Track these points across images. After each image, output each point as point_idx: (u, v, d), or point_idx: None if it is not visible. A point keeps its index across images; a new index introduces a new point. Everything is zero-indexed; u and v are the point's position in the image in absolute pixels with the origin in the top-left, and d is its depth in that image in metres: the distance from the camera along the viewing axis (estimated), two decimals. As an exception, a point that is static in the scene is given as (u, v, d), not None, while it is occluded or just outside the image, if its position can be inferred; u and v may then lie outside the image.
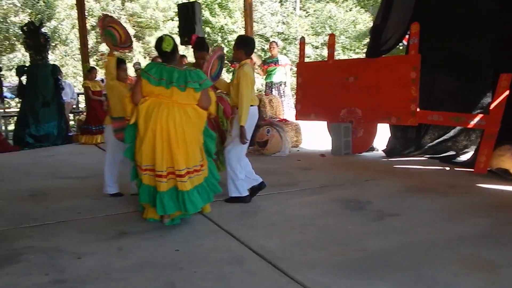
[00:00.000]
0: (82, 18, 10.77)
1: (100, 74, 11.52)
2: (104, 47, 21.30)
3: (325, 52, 24.25)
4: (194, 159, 4.23)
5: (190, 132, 4.21)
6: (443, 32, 7.26)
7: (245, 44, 5.07)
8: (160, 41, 4.31)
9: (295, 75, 15.35)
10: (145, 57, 22.60)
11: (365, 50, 25.04)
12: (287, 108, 10.41)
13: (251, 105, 4.97)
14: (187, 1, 9.66)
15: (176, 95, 4.20)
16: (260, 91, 11.65)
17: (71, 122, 12.15)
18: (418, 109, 7.09)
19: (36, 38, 9.48)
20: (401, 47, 9.98)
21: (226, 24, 24.08)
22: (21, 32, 10.29)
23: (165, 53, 4.32)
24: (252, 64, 9.85)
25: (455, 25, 7.19)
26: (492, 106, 6.41)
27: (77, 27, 19.78)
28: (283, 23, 25.40)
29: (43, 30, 9.95)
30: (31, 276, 3.36)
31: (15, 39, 20.12)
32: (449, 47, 7.22)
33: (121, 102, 4.86)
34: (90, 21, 20.48)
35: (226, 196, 5.11)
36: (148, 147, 4.13)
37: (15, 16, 19.62)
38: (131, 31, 22.30)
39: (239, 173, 5.03)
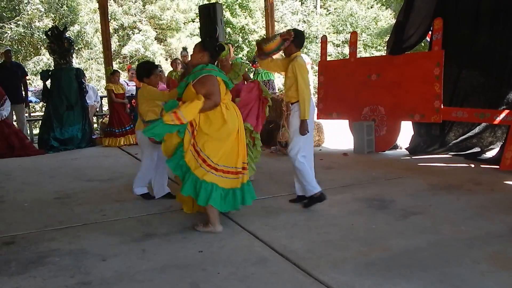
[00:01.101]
0: (105, 22, 10.88)
1: (123, 77, 11.61)
2: (126, 50, 21.54)
3: (346, 50, 24.19)
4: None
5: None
6: (466, 27, 7.16)
7: (296, 37, 4.77)
8: (221, 48, 4.59)
9: (316, 74, 15.35)
10: (166, 59, 22.74)
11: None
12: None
13: None
14: (208, 2, 9.71)
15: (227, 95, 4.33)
16: (281, 91, 11.60)
17: (95, 125, 12.28)
18: (442, 106, 6.99)
19: (60, 43, 9.59)
20: (423, 44, 9.88)
21: (247, 24, 24.12)
22: (45, 37, 10.41)
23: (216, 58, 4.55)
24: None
25: (479, 20, 7.08)
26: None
27: (100, 31, 20.17)
28: (304, 21, 25.34)
29: (67, 34, 10.06)
30: (57, 279, 3.40)
31: (40, 43, 20.43)
32: (473, 42, 7.12)
33: (154, 106, 5.03)
34: (113, 25, 20.69)
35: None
36: (230, 148, 4.19)
37: (39, 21, 19.91)
38: (152, 33, 22.51)
39: (309, 170, 4.86)
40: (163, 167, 5.32)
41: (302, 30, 5.31)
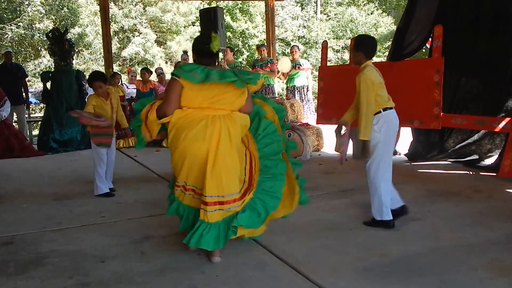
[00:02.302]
0: (106, 24, 10.92)
1: (124, 80, 11.64)
2: (126, 53, 21.58)
3: (346, 56, 24.27)
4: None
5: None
6: (467, 34, 7.18)
7: (364, 45, 4.44)
8: (207, 39, 3.65)
9: (316, 79, 15.38)
10: (166, 62, 22.79)
11: (386, 53, 25.00)
12: (308, 112, 10.39)
13: (387, 108, 4.41)
14: (209, 6, 9.75)
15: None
16: (281, 95, 11.65)
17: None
18: (441, 113, 7.00)
19: (60, 45, 9.60)
20: (423, 50, 9.89)
21: (247, 29, 24.18)
22: (46, 39, 10.43)
23: (211, 53, 3.71)
24: (275, 67, 9.91)
25: (479, 27, 7.11)
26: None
27: (100, 33, 20.20)
28: (304, 27, 25.41)
29: (67, 36, 10.07)
30: (56, 280, 3.41)
31: (40, 45, 20.47)
32: (473, 50, 7.13)
33: None
34: (113, 27, 20.72)
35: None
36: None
37: (40, 23, 19.96)
38: (153, 36, 22.55)
39: (384, 193, 4.38)
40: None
41: (371, 36, 4.91)
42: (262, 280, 3.30)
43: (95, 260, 3.75)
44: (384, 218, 4.35)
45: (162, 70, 11.61)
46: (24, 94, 10.49)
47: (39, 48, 20.76)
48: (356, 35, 4.59)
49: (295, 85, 10.50)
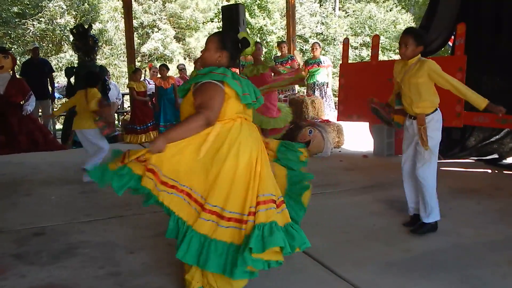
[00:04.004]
0: (128, 20, 11.03)
1: (146, 76, 11.77)
2: (145, 49, 21.75)
3: (364, 53, 24.16)
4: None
5: None
6: (489, 32, 7.17)
7: (423, 38, 4.22)
8: (246, 42, 3.18)
9: (335, 76, 15.38)
10: (184, 58, 22.92)
11: (406, 50, 24.83)
12: (328, 109, 10.42)
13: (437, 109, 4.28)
14: (228, 3, 9.81)
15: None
16: (300, 91, 11.67)
17: (116, 122, 12.42)
18: (463, 111, 7.01)
19: (85, 40, 9.74)
20: (446, 48, 9.86)
21: (265, 25, 24.18)
22: (67, 34, 10.60)
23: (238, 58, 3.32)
24: (297, 64, 9.95)
25: (501, 25, 7.09)
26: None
27: (120, 29, 20.40)
28: (322, 23, 25.33)
29: (91, 32, 10.22)
30: (87, 269, 3.54)
31: (62, 40, 20.73)
32: (494, 48, 7.12)
33: None
34: (133, 23, 20.87)
35: None
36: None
37: (61, 18, 20.19)
38: (172, 32, 22.69)
39: (434, 194, 4.26)
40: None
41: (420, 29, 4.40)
42: (286, 272, 3.37)
43: (124, 251, 3.87)
44: (435, 219, 4.22)
45: (184, 66, 11.72)
46: (50, 89, 10.68)
47: (61, 43, 21.01)
48: (407, 28, 4.37)
49: (315, 82, 10.52)
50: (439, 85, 4.18)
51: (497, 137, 7.35)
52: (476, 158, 7.52)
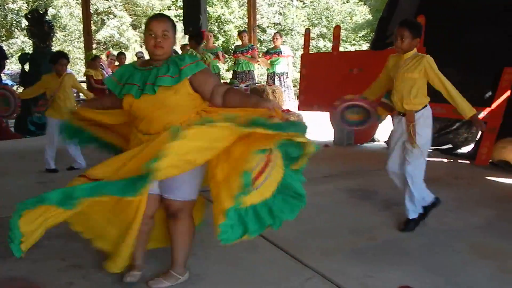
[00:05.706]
0: (86, 6, 10.75)
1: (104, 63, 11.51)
2: (100, 36, 21.28)
3: (320, 44, 24.37)
4: None
5: None
6: (448, 24, 7.32)
7: (420, 30, 3.99)
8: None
9: (295, 66, 15.45)
10: (141, 46, 22.57)
11: (360, 42, 25.21)
12: (287, 99, 10.46)
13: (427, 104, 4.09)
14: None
15: None
16: (260, 82, 11.69)
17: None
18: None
19: (40, 26, 9.46)
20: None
21: (223, 14, 24.05)
22: (19, 19, 10.28)
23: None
24: (257, 56, 9.93)
25: (460, 18, 7.24)
26: (495, 99, 6.48)
27: (75, 15, 19.93)
28: (280, 13, 25.39)
29: (47, 18, 9.92)
30: (49, 262, 3.44)
31: (14, 26, 20.05)
32: (455, 40, 7.27)
33: None
34: (89, 9, 20.40)
35: None
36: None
37: (13, 3, 19.52)
38: (128, 19, 22.28)
39: (422, 190, 4.23)
40: None
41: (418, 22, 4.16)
42: (254, 261, 3.38)
43: (85, 243, 3.75)
44: (417, 215, 4.15)
45: (143, 54, 11.53)
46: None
47: (12, 29, 20.33)
48: (402, 19, 4.06)
49: (275, 72, 10.54)
50: (431, 84, 4.00)
51: (452, 127, 7.55)
52: (433, 148, 7.69)
